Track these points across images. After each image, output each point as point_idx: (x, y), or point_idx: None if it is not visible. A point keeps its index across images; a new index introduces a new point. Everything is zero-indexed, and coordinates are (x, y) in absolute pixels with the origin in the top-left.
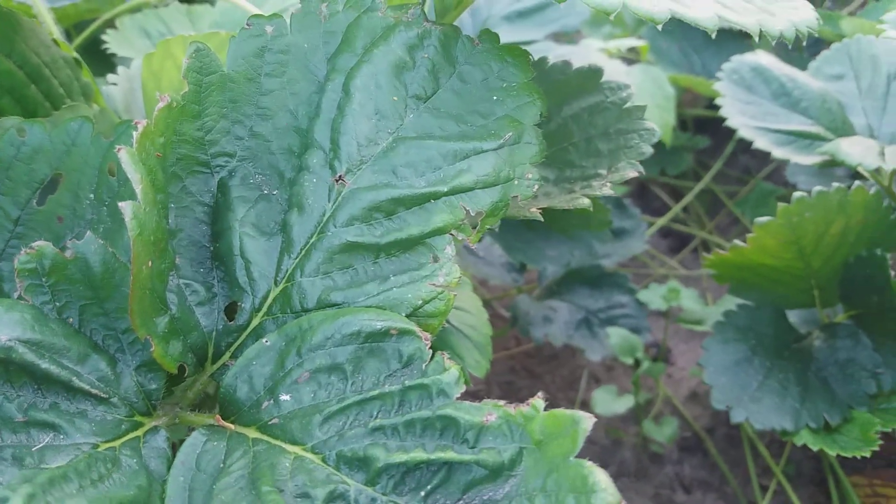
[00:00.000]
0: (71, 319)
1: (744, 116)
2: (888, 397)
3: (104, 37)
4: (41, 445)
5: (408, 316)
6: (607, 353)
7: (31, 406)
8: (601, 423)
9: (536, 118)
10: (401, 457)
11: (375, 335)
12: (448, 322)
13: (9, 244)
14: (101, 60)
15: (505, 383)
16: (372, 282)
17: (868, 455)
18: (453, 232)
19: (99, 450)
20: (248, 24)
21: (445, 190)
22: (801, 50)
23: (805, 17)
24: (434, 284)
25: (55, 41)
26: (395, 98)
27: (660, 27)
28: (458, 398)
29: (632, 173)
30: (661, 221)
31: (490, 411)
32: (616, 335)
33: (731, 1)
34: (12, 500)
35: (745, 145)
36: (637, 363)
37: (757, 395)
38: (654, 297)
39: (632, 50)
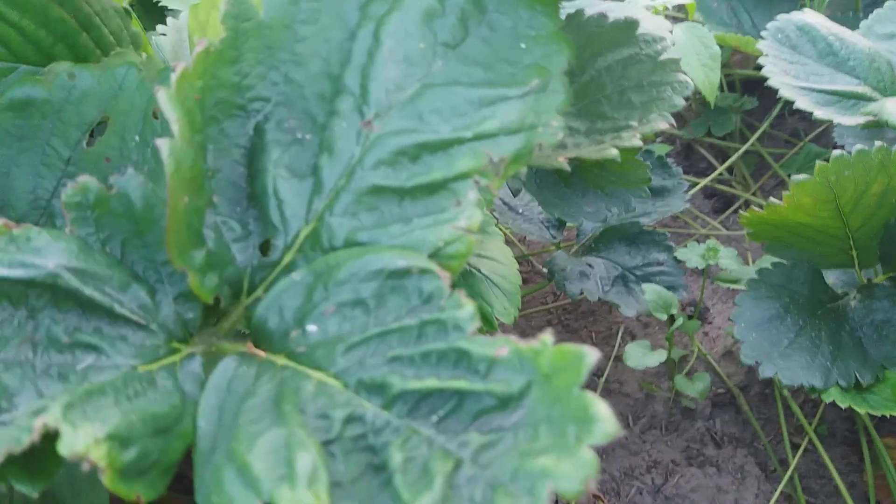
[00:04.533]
0: (113, 251)
1: (787, 76)
2: None
3: None
4: (85, 365)
5: (430, 256)
6: (642, 309)
7: (77, 329)
8: (635, 376)
9: (564, 66)
10: (415, 384)
11: (397, 273)
12: (479, 271)
13: (60, 182)
14: (158, 13)
15: None
16: (396, 223)
17: None
18: (476, 177)
19: (137, 371)
20: None
21: (469, 136)
22: (857, 9)
23: None
24: (456, 227)
25: None
26: (423, 45)
27: None
28: (472, 333)
29: (662, 124)
30: (704, 182)
31: (502, 345)
32: (651, 291)
33: None
34: (51, 408)
35: (793, 107)
36: (672, 320)
37: (787, 352)
38: (692, 255)
39: (680, 9)
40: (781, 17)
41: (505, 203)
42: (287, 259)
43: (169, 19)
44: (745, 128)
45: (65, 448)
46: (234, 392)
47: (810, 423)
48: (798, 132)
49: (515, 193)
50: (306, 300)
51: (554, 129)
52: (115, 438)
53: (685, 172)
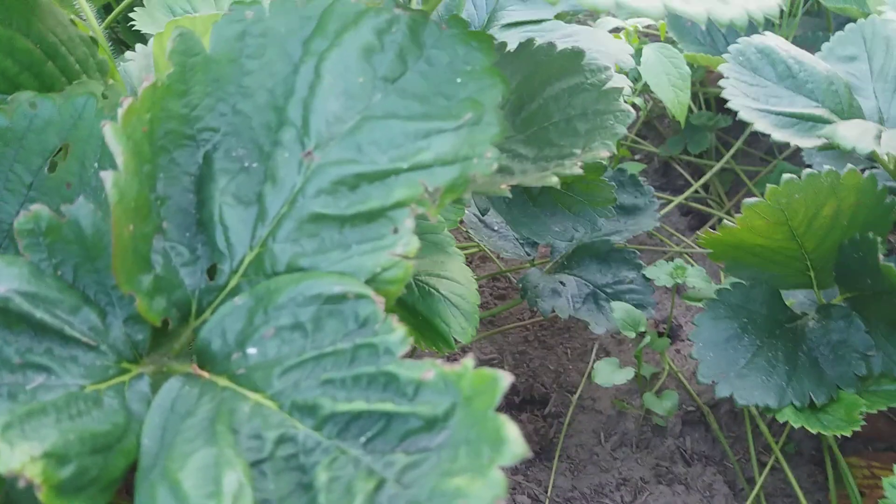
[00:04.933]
0: (65, 275)
1: (747, 98)
2: (877, 380)
3: (132, 14)
4: (35, 385)
5: (367, 282)
6: (611, 327)
7: (28, 350)
8: (609, 393)
9: (497, 100)
10: (345, 406)
11: (334, 298)
12: (438, 290)
13: (23, 206)
14: (139, 38)
15: (518, 353)
16: (336, 249)
17: (849, 434)
18: (413, 206)
19: (85, 391)
20: (229, 10)
21: (406, 167)
22: (829, 29)
23: (764, 4)
24: (393, 254)
25: (72, 21)
26: (363, 79)
27: None
28: (402, 356)
29: (604, 153)
30: (678, 200)
31: (428, 369)
32: (619, 309)
33: None
34: None
35: None
36: (641, 337)
37: (743, 372)
38: (660, 273)
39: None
40: (742, 39)
41: (480, 220)
42: (232, 283)
43: (138, 45)
44: (721, 145)
45: (1, 466)
46: (177, 412)
47: (778, 442)
48: (772, 150)
49: (483, 213)
50: (248, 323)
51: (488, 160)
52: (51, 456)
53: (662, 190)
